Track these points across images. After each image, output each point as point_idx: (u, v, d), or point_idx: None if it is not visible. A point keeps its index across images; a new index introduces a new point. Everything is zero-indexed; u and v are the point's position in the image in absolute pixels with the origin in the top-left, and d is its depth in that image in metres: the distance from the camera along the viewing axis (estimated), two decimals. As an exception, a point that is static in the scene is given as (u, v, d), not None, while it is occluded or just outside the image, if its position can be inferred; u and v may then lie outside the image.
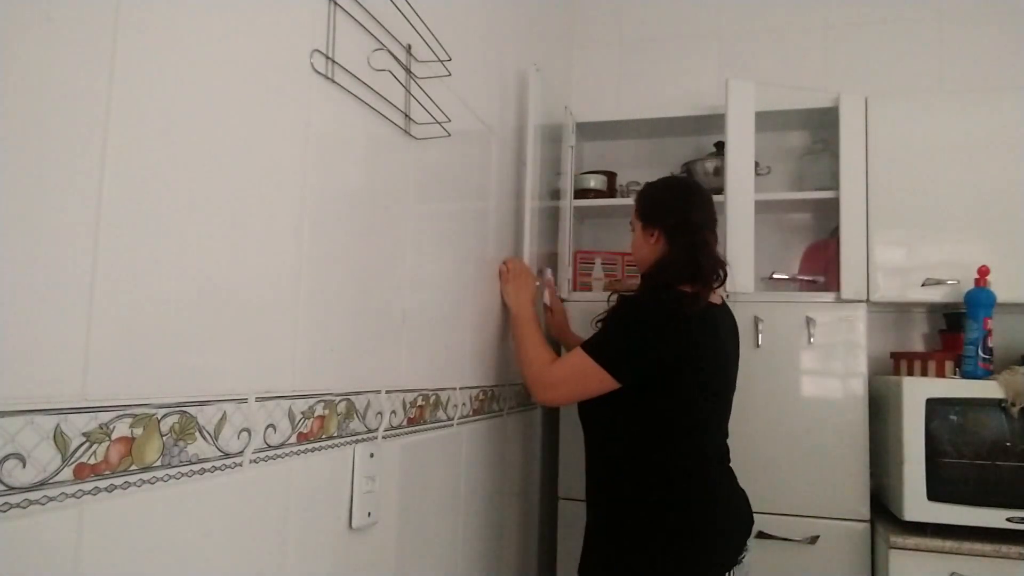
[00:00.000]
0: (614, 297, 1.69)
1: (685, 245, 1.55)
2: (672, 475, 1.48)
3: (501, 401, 1.86)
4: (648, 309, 1.49)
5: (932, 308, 2.23)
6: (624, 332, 1.48)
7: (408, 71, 1.32)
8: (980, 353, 1.91)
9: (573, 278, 2.31)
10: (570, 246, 2.27)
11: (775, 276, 2.22)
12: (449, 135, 1.42)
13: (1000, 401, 1.82)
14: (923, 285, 2.02)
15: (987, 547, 1.76)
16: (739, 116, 2.11)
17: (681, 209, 1.59)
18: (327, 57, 1.07)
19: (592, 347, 1.48)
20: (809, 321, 2.04)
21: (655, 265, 1.58)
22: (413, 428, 1.36)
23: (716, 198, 2.15)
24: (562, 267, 2.27)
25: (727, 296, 1.72)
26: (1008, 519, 1.78)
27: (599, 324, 1.57)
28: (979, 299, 1.93)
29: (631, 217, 1.67)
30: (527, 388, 1.64)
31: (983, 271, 1.94)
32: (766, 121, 2.32)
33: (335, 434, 1.11)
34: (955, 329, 2.12)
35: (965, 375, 1.93)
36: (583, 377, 1.48)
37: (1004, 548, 1.76)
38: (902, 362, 2.08)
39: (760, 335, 2.05)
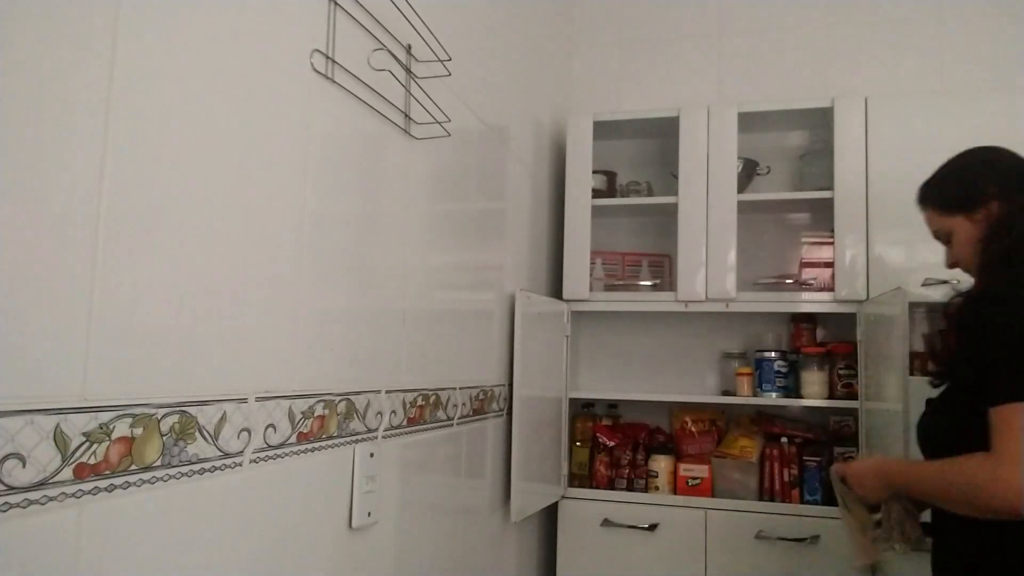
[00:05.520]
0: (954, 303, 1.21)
1: None
2: None
3: (501, 401, 1.86)
4: None
5: (932, 308, 2.22)
6: None
7: (408, 71, 1.32)
8: None
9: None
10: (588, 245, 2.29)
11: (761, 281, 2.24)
12: (449, 135, 1.42)
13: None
14: (923, 285, 2.02)
15: (987, 547, 1.76)
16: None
17: (1009, 165, 1.24)
18: (327, 57, 1.07)
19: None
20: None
21: (996, 240, 1.18)
22: (413, 428, 1.36)
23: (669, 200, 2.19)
24: (575, 267, 2.27)
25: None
26: (1008, 519, 1.78)
27: (951, 355, 1.19)
28: None
29: (937, 224, 1.29)
30: (991, 510, 1.02)
31: None
32: (766, 121, 2.33)
33: (335, 434, 1.11)
34: (955, 329, 2.12)
35: None
36: None
37: (1004, 548, 1.75)
38: (902, 362, 2.08)
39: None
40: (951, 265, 1.31)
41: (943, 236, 1.30)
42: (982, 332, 1.09)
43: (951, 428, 1.17)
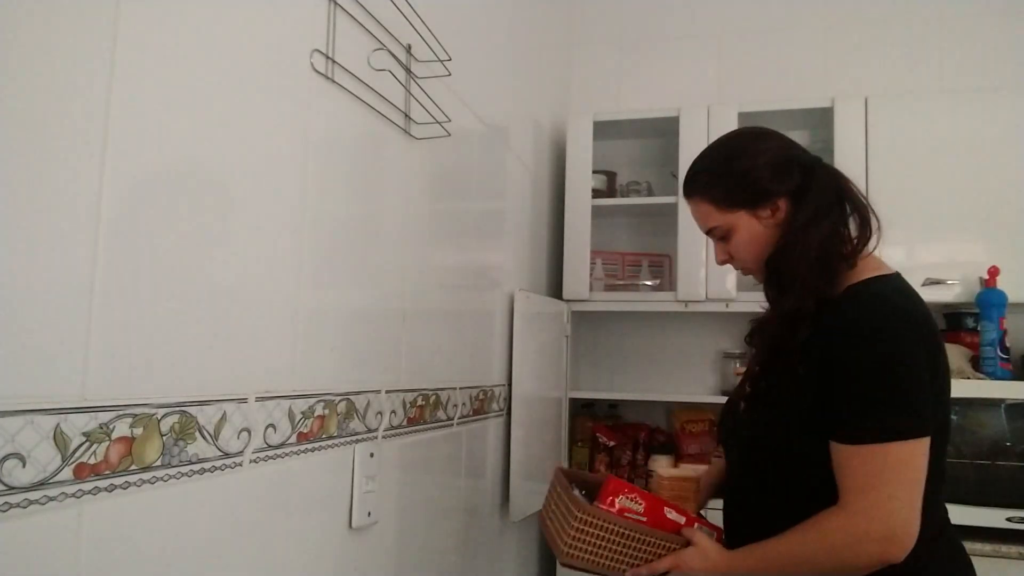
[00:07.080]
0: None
1: (830, 191, 1.12)
2: None
3: (501, 401, 1.86)
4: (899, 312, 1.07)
5: (931, 308, 2.23)
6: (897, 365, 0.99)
7: (408, 71, 1.32)
8: (999, 353, 1.91)
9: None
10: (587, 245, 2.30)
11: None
12: (449, 135, 1.42)
13: (1000, 401, 1.82)
14: (923, 285, 2.02)
15: (987, 547, 1.76)
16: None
17: (795, 155, 1.13)
18: (327, 57, 1.07)
19: (881, 425, 0.95)
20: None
21: (804, 244, 1.07)
22: (413, 428, 1.36)
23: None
24: (575, 267, 2.27)
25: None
26: (1008, 519, 1.78)
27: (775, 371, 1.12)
28: (991, 300, 1.94)
29: (710, 220, 1.15)
30: (878, 560, 0.96)
31: (993, 272, 1.94)
32: (766, 121, 2.32)
33: (335, 434, 1.11)
34: (954, 328, 2.12)
35: (987, 376, 1.93)
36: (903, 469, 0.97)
37: (1003, 548, 1.76)
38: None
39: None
40: (724, 261, 1.21)
41: (719, 233, 1.16)
42: (848, 355, 0.99)
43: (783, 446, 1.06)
